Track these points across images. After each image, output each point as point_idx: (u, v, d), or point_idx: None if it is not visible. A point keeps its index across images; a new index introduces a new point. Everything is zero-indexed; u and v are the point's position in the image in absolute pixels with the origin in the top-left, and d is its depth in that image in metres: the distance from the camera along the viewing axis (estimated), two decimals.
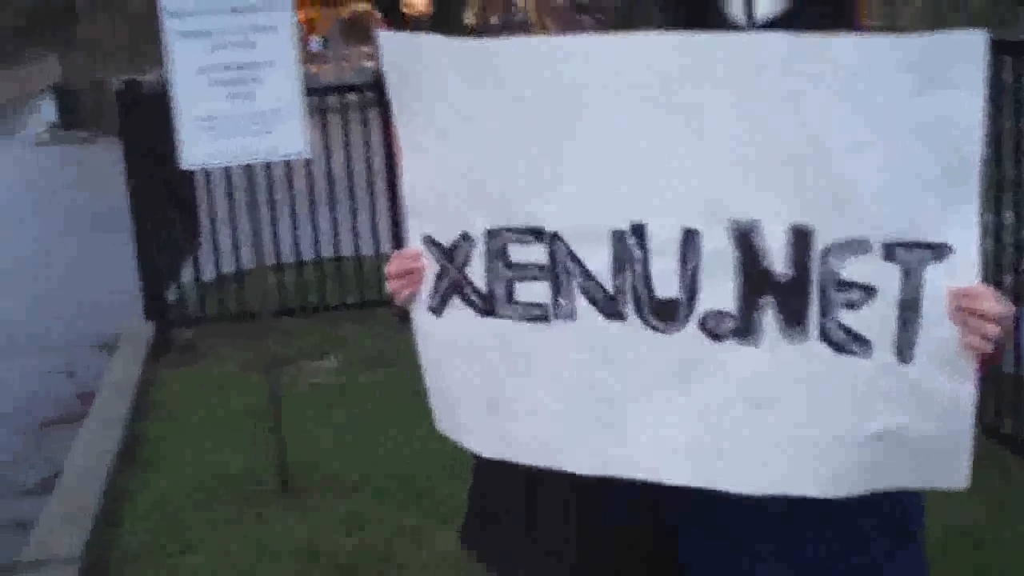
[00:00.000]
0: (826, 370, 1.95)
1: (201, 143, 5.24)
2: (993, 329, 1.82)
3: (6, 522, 5.61)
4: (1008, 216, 5.46)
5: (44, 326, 9.16)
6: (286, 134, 5.29)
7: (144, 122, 8.24)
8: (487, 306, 2.23)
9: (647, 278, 2.06)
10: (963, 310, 1.83)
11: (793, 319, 1.96)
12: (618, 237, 2.06)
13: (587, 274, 2.11)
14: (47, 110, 27.71)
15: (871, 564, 2.18)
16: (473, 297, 2.25)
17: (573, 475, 2.19)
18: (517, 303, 2.20)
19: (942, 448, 1.94)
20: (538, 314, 2.18)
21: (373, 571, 4.70)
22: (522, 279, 2.19)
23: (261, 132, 5.25)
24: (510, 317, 2.21)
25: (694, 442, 2.07)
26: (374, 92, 8.56)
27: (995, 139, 5.51)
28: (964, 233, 1.84)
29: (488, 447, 2.36)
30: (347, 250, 8.75)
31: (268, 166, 7.87)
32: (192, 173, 8.94)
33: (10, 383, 7.82)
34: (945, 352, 1.87)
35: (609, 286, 2.10)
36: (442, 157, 2.24)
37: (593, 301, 2.11)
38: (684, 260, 2.02)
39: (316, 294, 8.72)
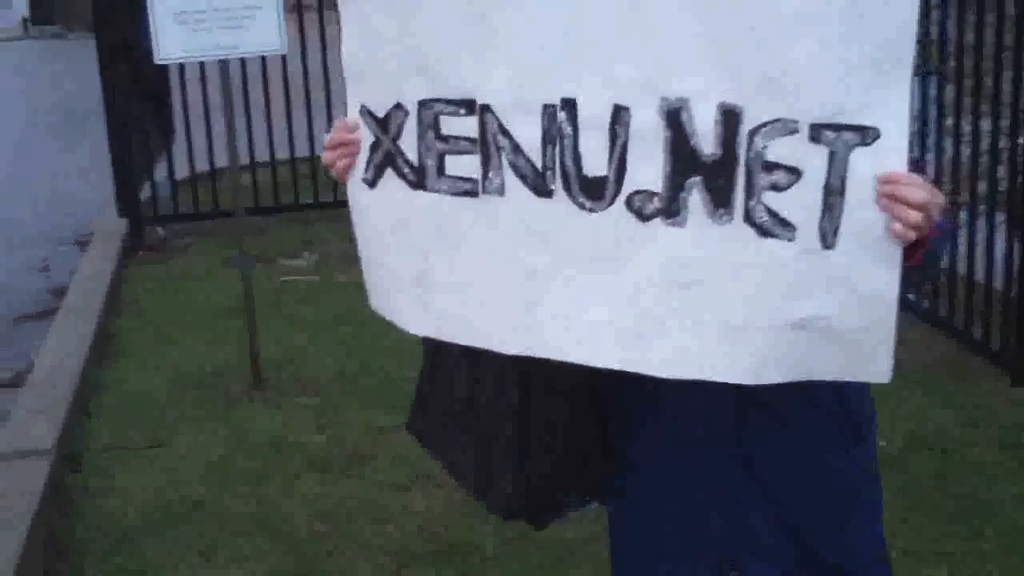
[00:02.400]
0: (750, 253, 1.93)
1: (176, 38, 5.20)
2: (915, 216, 1.79)
3: None
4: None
5: (18, 222, 9.14)
6: (263, 29, 5.26)
7: (118, 17, 8.16)
8: (418, 179, 2.21)
9: (576, 154, 2.03)
10: (887, 196, 1.81)
11: (719, 200, 1.93)
12: (549, 111, 2.03)
13: (517, 148, 2.09)
14: (18, 4, 27.31)
15: (823, 465, 2.20)
16: (405, 169, 2.22)
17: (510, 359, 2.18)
18: (447, 176, 2.18)
19: (866, 339, 1.92)
20: (468, 188, 2.16)
21: (344, 465, 4.76)
22: (453, 152, 2.17)
23: (237, 27, 5.22)
24: (440, 191, 2.19)
25: (620, 324, 2.05)
26: None
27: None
28: (893, 118, 1.80)
29: (417, 325, 2.34)
30: (322, 149, 8.70)
31: (243, 63, 7.81)
32: (166, 70, 8.87)
33: None
34: (869, 238, 1.85)
35: (538, 162, 2.07)
36: (378, 24, 2.22)
37: (522, 176, 2.09)
38: (613, 137, 1.99)
39: (290, 193, 8.71)
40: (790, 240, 1.90)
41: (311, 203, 8.71)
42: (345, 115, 2.29)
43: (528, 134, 2.07)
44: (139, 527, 4.39)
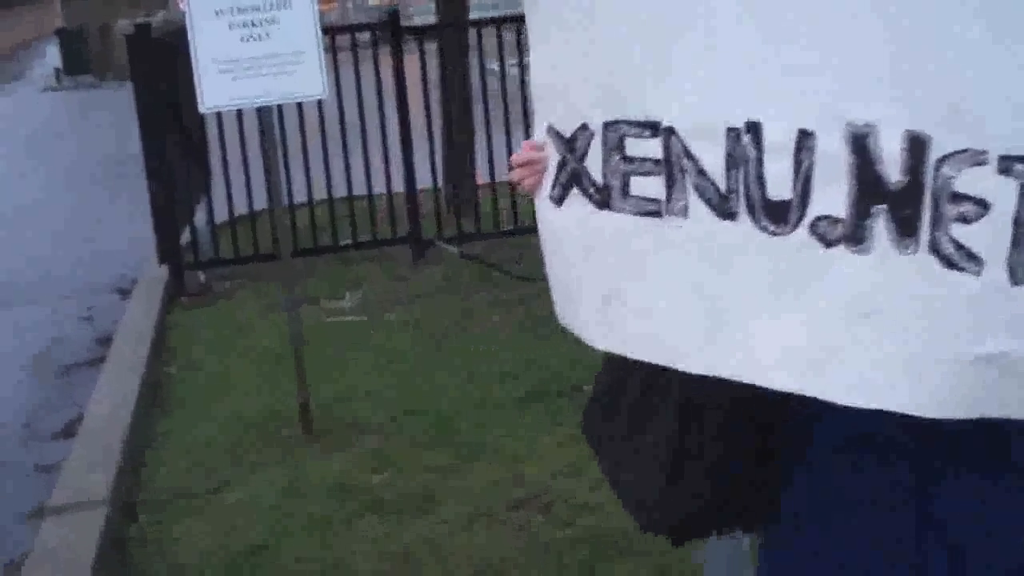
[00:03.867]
0: (935, 284, 1.89)
1: (219, 86, 5.22)
2: None
3: (31, 467, 5.65)
4: None
5: (60, 272, 9.19)
6: (305, 76, 5.27)
7: (154, 65, 8.22)
8: (603, 199, 2.24)
9: (760, 178, 2.02)
10: None
11: (905, 229, 1.89)
12: (733, 134, 2.03)
13: (701, 171, 2.09)
14: (52, 55, 27.58)
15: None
16: (591, 189, 2.25)
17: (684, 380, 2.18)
18: (631, 197, 2.20)
19: None
20: (652, 209, 2.17)
21: (405, 506, 4.74)
22: (637, 173, 2.18)
23: (280, 74, 5.23)
24: (625, 211, 2.21)
25: (800, 349, 2.03)
26: (386, 31, 8.53)
27: None
28: None
29: (602, 340, 2.36)
30: (359, 190, 8.74)
31: (280, 107, 7.85)
32: (203, 115, 8.92)
33: (30, 329, 7.85)
34: None
35: (722, 184, 2.07)
36: (564, 46, 2.26)
37: (706, 199, 2.09)
38: (798, 162, 1.97)
39: (329, 234, 8.72)
40: (976, 274, 1.85)
41: (350, 243, 8.72)
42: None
43: (712, 157, 2.08)
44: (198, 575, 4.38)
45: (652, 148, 2.15)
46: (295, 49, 5.25)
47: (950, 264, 1.87)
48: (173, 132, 8.55)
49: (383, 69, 8.50)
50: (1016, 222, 1.80)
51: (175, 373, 6.59)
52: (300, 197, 8.73)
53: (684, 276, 2.17)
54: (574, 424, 5.16)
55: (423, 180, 8.75)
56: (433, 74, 8.80)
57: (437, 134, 8.89)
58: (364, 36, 8.88)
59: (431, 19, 10.49)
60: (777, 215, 2.01)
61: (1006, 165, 1.79)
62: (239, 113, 7.83)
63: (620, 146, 2.20)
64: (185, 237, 8.65)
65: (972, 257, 1.85)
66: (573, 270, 2.38)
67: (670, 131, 2.12)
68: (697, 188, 2.11)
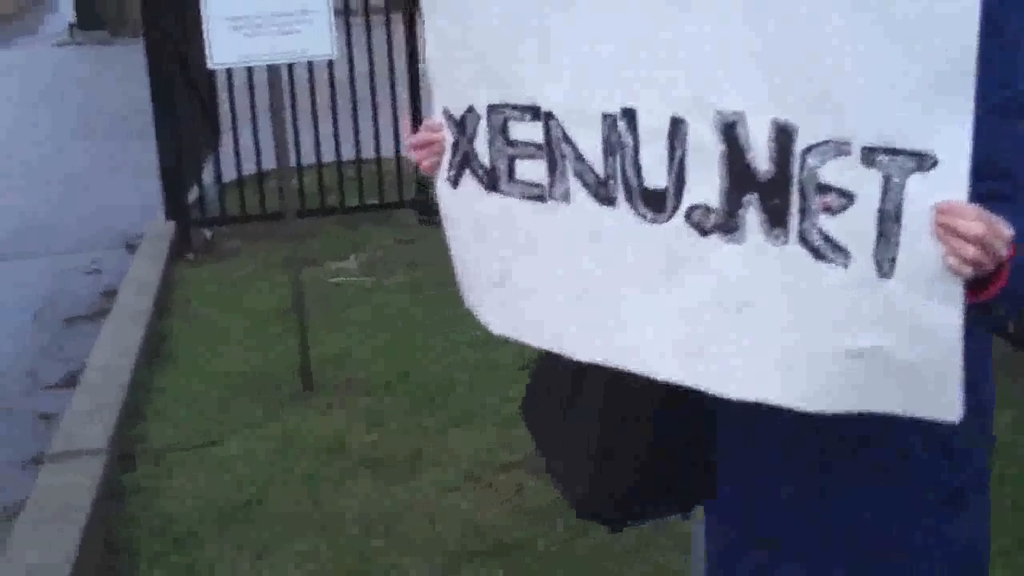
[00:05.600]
0: (804, 276, 1.88)
1: (229, 43, 5.24)
2: (971, 251, 1.68)
3: (33, 415, 5.71)
4: None
5: (68, 225, 9.23)
6: (314, 35, 5.29)
7: (166, 21, 8.23)
8: (491, 181, 2.25)
9: (637, 165, 2.03)
10: (942, 227, 1.70)
11: (775, 219, 1.88)
12: (609, 121, 2.04)
13: (579, 156, 2.10)
14: (66, 9, 27.52)
15: (898, 540, 2.12)
16: (480, 171, 2.27)
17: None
18: (517, 181, 2.22)
19: (928, 374, 1.81)
20: (536, 193, 2.19)
21: (397, 466, 4.79)
22: (521, 157, 2.20)
23: (289, 32, 5.26)
24: (512, 194, 2.23)
25: (680, 339, 2.04)
26: None
27: None
28: (953, 143, 1.70)
29: (497, 324, 2.38)
30: (368, 153, 8.76)
31: (290, 67, 7.87)
32: (213, 73, 8.93)
33: (35, 280, 7.90)
34: (927, 271, 1.75)
35: (600, 171, 2.08)
36: (450, 31, 2.27)
37: (586, 184, 2.10)
38: (672, 149, 1.97)
39: (336, 195, 8.75)
40: (844, 266, 1.84)
41: (357, 206, 8.75)
42: (424, 114, 2.36)
43: (590, 142, 2.08)
44: (193, 527, 4.43)
45: (534, 132, 2.16)
46: (305, 7, 5.26)
47: (818, 256, 1.85)
48: (183, 89, 8.56)
49: (395, 33, 8.50)
50: (881, 214, 1.77)
51: (177, 328, 6.64)
52: (309, 159, 8.76)
53: (568, 262, 2.17)
54: None
55: None
56: None
57: None
58: (377, 1, 8.87)
59: None
60: (654, 202, 2.02)
61: (869, 156, 1.77)
62: (249, 71, 7.84)
63: (504, 129, 2.21)
64: (193, 194, 8.69)
65: (839, 249, 1.83)
66: (468, 252, 2.39)
67: (549, 115, 2.13)
68: (577, 173, 2.12)
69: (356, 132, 8.66)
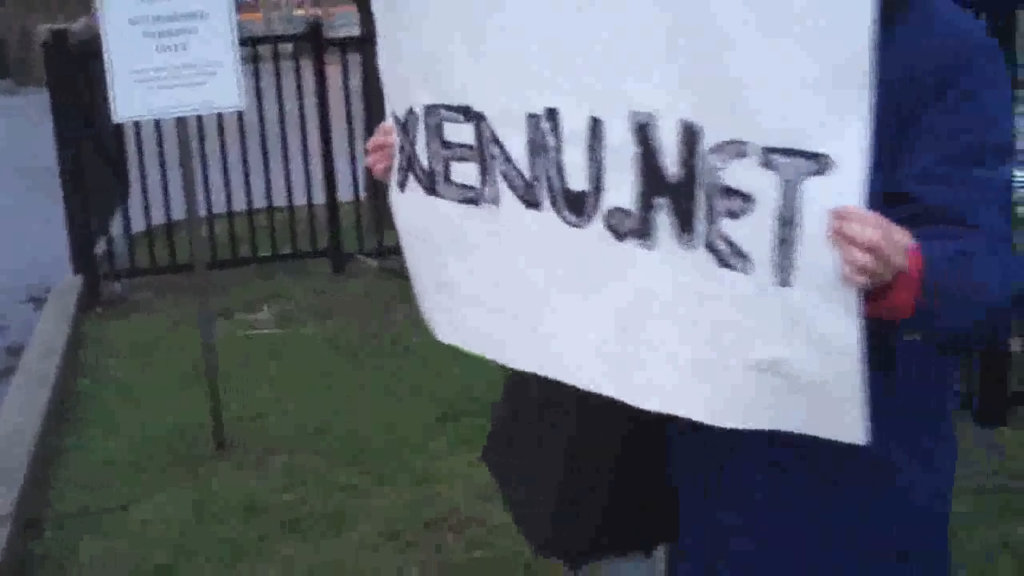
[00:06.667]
0: (713, 284, 1.82)
1: (134, 96, 5.13)
2: (862, 258, 1.62)
3: None
4: None
5: None
6: (221, 87, 5.20)
7: (72, 73, 8.09)
8: (430, 184, 2.25)
9: (560, 167, 1.99)
10: (836, 232, 1.64)
11: (684, 224, 1.84)
12: (533, 122, 2.01)
13: (507, 158, 2.08)
14: None
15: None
16: (420, 174, 2.26)
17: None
18: (452, 183, 2.21)
19: (831, 391, 1.74)
20: (471, 196, 2.18)
21: (317, 526, 4.67)
22: (456, 159, 2.19)
23: (195, 84, 5.16)
24: (448, 197, 2.22)
25: (605, 349, 2.00)
26: (308, 42, 8.47)
27: None
28: (849, 146, 1.64)
29: (444, 333, 2.38)
30: (280, 201, 8.66)
31: (200, 116, 7.75)
32: (121, 124, 8.78)
33: None
34: (825, 280, 1.68)
35: (527, 173, 2.05)
36: (399, 32, 2.28)
37: (513, 187, 2.08)
38: (591, 151, 1.94)
39: (248, 245, 8.62)
40: (746, 273, 1.77)
41: (270, 255, 8.63)
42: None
43: (516, 144, 2.07)
44: None
45: (466, 133, 2.16)
46: (212, 59, 5.17)
47: (722, 262, 1.80)
48: (89, 140, 8.41)
49: (305, 80, 8.43)
50: (780, 219, 1.71)
51: (86, 386, 6.47)
52: (219, 207, 8.63)
53: (502, 267, 2.16)
54: None
55: (344, 193, 8.68)
56: (356, 86, 8.74)
57: (359, 146, 8.82)
58: (286, 47, 8.80)
59: (355, 31, 10.42)
60: (576, 206, 1.99)
61: (767, 158, 1.72)
62: (157, 122, 7.71)
63: (439, 131, 2.20)
64: (101, 247, 8.51)
65: (741, 255, 1.78)
66: (416, 256, 2.40)
67: (480, 116, 2.11)
68: (505, 176, 2.10)
69: (267, 180, 8.54)
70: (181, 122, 5.39)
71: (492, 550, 4.37)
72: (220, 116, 7.81)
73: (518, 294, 2.13)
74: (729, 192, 1.76)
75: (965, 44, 1.90)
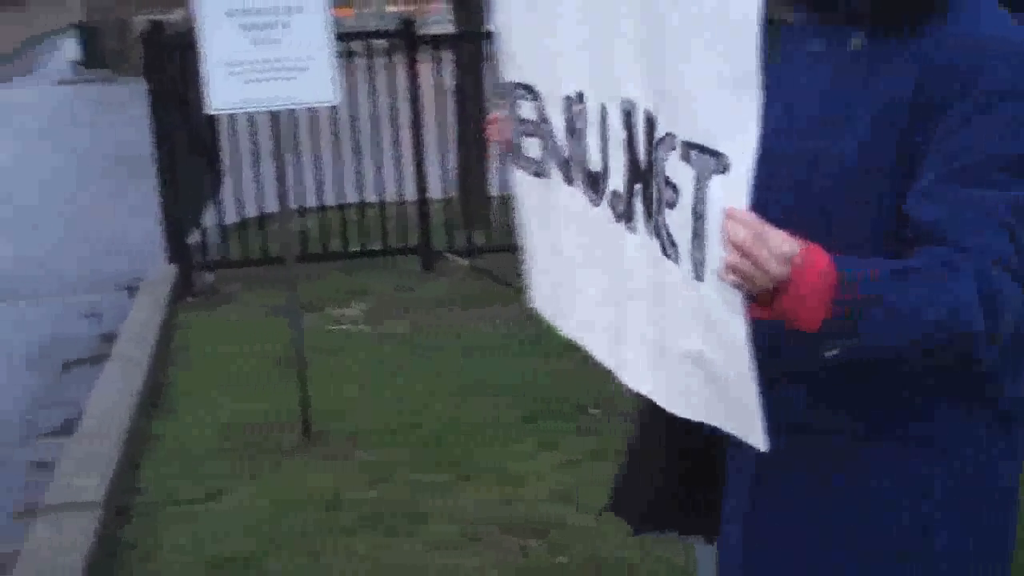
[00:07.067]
0: (659, 270, 1.88)
1: (228, 88, 5.18)
2: (731, 257, 1.65)
3: (28, 463, 5.61)
4: None
5: (67, 267, 9.15)
6: (315, 81, 5.23)
7: (168, 63, 8.20)
8: (515, 156, 2.42)
9: (584, 147, 2.11)
10: (721, 231, 1.68)
11: (648, 210, 1.91)
12: (568, 103, 2.13)
13: (552, 136, 2.22)
14: (70, 48, 27.59)
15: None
16: (513, 147, 2.44)
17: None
18: (523, 156, 2.37)
19: (731, 392, 1.77)
20: (536, 170, 2.34)
21: (397, 523, 4.67)
22: (525, 134, 2.36)
23: (289, 78, 5.19)
24: (524, 170, 2.40)
25: (604, 322, 2.14)
26: (401, 39, 8.50)
27: None
28: (742, 147, 1.66)
29: (539, 303, 2.52)
30: (371, 196, 8.69)
31: (293, 110, 7.80)
32: (215, 115, 8.89)
33: (34, 324, 7.83)
34: (721, 278, 1.73)
35: (565, 151, 2.19)
36: (506, 12, 2.44)
37: (557, 164, 2.22)
38: (601, 134, 2.06)
39: (339, 240, 8.67)
40: (677, 264, 1.82)
41: (359, 251, 8.67)
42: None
43: (559, 123, 2.23)
44: None
45: (531, 110, 2.33)
46: (307, 54, 5.20)
47: (663, 250, 1.86)
48: (184, 131, 8.51)
49: (397, 77, 8.45)
50: (694, 214, 1.74)
51: (176, 374, 6.56)
52: (311, 201, 8.69)
53: (558, 239, 2.33)
54: (572, 447, 5.15)
55: (435, 190, 8.70)
56: (448, 83, 8.77)
57: (450, 144, 8.85)
58: (379, 43, 8.84)
59: (447, 28, 10.46)
60: (593, 185, 2.13)
61: (687, 152, 1.76)
62: (251, 114, 7.78)
63: (516, 107, 2.38)
64: (194, 237, 8.62)
65: (674, 245, 1.82)
66: (522, 230, 2.55)
67: (536, 95, 2.29)
68: (552, 152, 2.26)
69: (359, 175, 8.59)
70: (274, 115, 5.43)
71: (574, 555, 4.34)
72: (314, 111, 7.90)
73: (565, 264, 2.31)
74: (668, 183, 1.83)
75: (985, 49, 1.83)
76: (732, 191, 1.68)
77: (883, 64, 1.87)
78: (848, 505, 1.98)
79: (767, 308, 1.71)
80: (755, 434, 1.73)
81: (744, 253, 1.64)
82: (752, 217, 1.66)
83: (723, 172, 1.69)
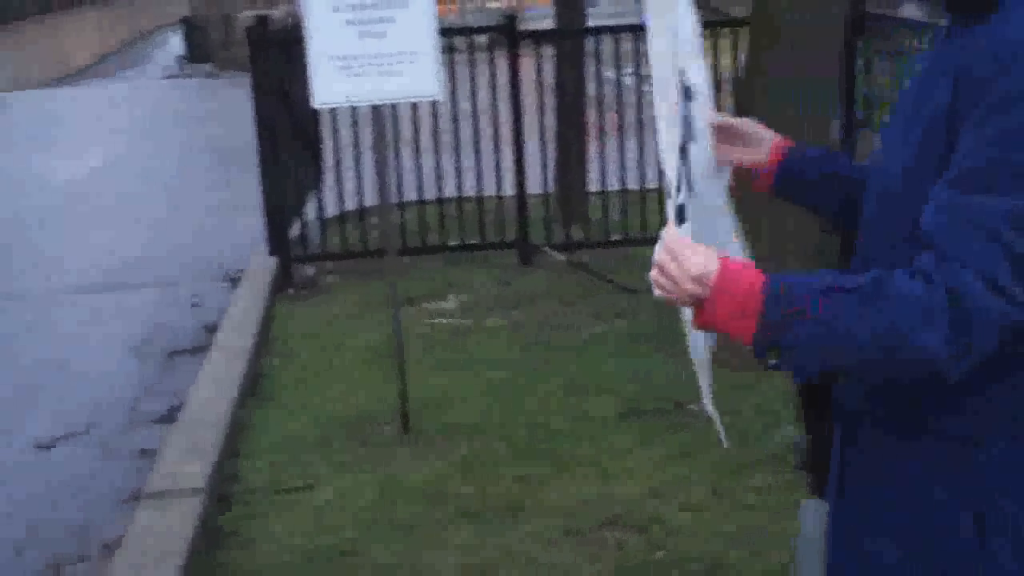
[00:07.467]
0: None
1: (333, 83, 5.22)
2: (653, 273, 1.87)
3: (132, 449, 5.71)
4: None
5: (169, 258, 9.29)
6: (419, 76, 5.25)
7: (272, 58, 8.28)
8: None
9: (686, 122, 2.21)
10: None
11: (687, 184, 2.08)
12: (675, 81, 2.18)
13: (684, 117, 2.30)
14: (175, 43, 28.03)
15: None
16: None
17: None
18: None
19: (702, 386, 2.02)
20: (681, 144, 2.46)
21: (494, 516, 4.68)
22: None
23: (394, 73, 5.22)
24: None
25: None
26: (503, 34, 8.51)
27: None
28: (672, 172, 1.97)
29: None
30: (469, 191, 8.71)
31: (395, 104, 7.85)
32: (317, 109, 8.97)
33: (138, 313, 7.96)
34: None
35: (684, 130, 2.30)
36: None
37: (684, 141, 2.27)
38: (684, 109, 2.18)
39: (437, 234, 8.71)
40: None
41: (458, 245, 8.70)
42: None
43: (679, 106, 2.33)
44: (286, 573, 4.37)
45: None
46: (411, 48, 5.23)
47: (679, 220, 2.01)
48: (287, 125, 8.60)
49: (499, 72, 8.47)
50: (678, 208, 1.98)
51: (277, 365, 6.63)
52: (410, 195, 8.74)
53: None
54: (670, 443, 5.13)
55: (534, 185, 8.70)
56: (548, 79, 8.76)
57: (550, 139, 8.84)
58: (481, 39, 8.85)
59: (548, 24, 10.45)
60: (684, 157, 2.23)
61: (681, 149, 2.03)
62: (353, 108, 7.84)
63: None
64: (295, 230, 8.70)
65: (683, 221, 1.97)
66: None
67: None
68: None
69: (458, 170, 8.62)
70: (376, 109, 5.47)
71: (673, 552, 4.32)
72: (415, 106, 7.95)
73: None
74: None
75: (1012, 51, 1.76)
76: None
77: (940, 66, 1.89)
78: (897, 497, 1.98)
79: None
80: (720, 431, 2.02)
81: (661, 271, 1.84)
82: (675, 238, 1.85)
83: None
